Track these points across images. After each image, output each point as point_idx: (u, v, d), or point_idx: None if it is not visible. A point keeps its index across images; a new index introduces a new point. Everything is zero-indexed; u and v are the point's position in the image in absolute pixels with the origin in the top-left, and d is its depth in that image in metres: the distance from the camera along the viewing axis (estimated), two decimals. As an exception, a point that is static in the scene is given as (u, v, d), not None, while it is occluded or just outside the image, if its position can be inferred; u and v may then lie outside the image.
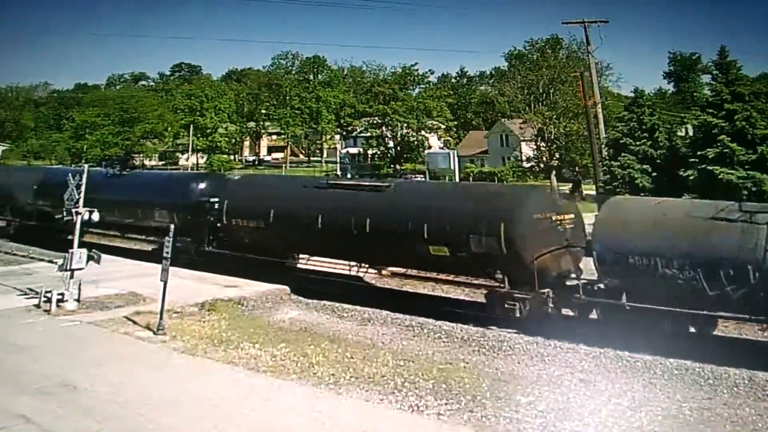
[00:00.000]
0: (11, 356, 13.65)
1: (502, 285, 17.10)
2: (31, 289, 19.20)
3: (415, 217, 18.24)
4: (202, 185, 25.10)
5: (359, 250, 20.19)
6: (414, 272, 23.58)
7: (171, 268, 16.02)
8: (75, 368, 12.89)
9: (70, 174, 19.52)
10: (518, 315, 16.51)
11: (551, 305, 16.51)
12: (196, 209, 24.06)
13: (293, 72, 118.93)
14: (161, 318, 15.74)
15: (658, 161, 31.38)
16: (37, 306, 17.67)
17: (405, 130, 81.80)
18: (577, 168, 63.57)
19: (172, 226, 16.76)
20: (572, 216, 17.70)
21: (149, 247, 29.04)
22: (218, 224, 23.43)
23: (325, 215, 20.20)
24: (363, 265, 21.20)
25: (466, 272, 19.61)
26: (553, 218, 17.13)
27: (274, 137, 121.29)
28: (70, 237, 18.38)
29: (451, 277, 21.83)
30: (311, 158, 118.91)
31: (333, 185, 21.70)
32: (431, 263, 19.25)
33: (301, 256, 23.04)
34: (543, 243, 16.62)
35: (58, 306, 17.30)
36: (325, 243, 20.75)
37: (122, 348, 14.53)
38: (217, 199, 23.48)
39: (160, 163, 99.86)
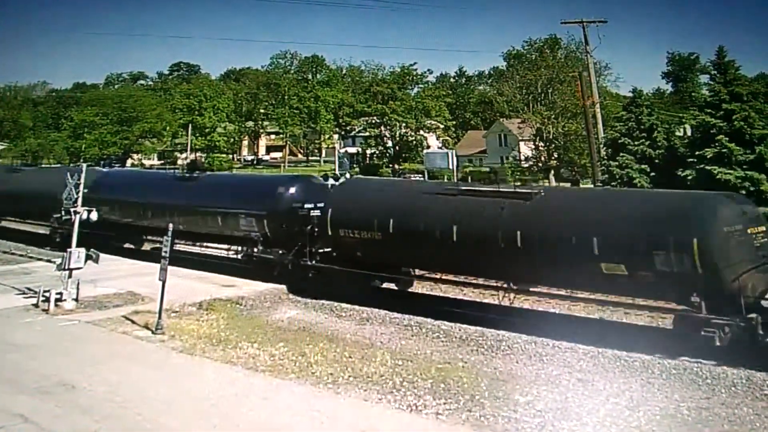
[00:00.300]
0: (9, 356, 13.67)
1: (695, 309, 14.78)
2: (29, 289, 19.24)
3: (580, 229, 16.01)
4: (292, 190, 22.69)
5: (507, 267, 17.84)
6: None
7: (169, 267, 16.05)
8: (73, 367, 12.91)
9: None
10: (717, 343, 14.30)
11: (761, 332, 14.19)
12: (289, 217, 21.79)
13: (292, 71, 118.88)
14: (159, 317, 15.77)
15: (657, 161, 31.36)
16: (36, 305, 17.71)
17: (403, 130, 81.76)
18: (575, 168, 63.54)
19: (171, 225, 16.74)
20: (764, 228, 15.57)
21: (148, 247, 28.96)
22: (315, 234, 21.11)
23: (460, 226, 17.86)
24: (508, 283, 18.90)
25: (649, 294, 16.77)
26: (748, 230, 15.11)
27: (273, 137, 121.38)
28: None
29: (629, 300, 18.55)
30: (309, 158, 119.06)
31: (465, 191, 19.06)
32: (603, 283, 16.64)
33: (417, 271, 21.25)
34: (741, 259, 14.63)
35: (56, 305, 17.33)
36: (460, 258, 18.45)
37: (120, 347, 14.55)
38: (311, 206, 21.41)
39: (158, 162, 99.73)
